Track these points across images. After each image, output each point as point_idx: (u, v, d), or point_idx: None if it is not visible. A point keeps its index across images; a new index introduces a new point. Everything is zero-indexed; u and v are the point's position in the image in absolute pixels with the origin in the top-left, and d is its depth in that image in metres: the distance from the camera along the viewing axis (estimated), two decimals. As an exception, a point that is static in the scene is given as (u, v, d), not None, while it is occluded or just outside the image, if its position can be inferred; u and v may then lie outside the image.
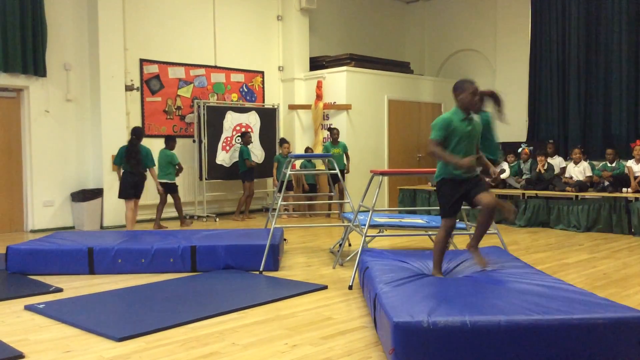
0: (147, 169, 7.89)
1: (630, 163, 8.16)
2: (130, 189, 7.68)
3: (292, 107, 10.89)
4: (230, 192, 10.20)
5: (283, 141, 9.92)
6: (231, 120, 9.91)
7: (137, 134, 7.80)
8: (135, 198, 7.76)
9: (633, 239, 7.40)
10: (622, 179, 8.13)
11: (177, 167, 8.66)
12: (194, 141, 9.72)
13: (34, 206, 8.33)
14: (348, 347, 3.38)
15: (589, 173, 8.51)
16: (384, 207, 10.39)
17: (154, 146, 9.33)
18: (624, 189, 8.02)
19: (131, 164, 7.64)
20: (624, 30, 9.97)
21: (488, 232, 5.27)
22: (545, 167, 8.83)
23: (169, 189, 8.58)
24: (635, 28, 9.91)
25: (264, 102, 10.83)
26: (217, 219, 9.46)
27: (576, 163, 8.70)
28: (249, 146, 9.54)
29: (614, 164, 8.42)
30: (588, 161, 8.77)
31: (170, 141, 8.77)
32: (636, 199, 7.68)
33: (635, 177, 7.96)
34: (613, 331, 2.84)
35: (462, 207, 5.77)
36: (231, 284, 4.96)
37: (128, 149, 7.69)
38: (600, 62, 10.34)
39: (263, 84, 10.89)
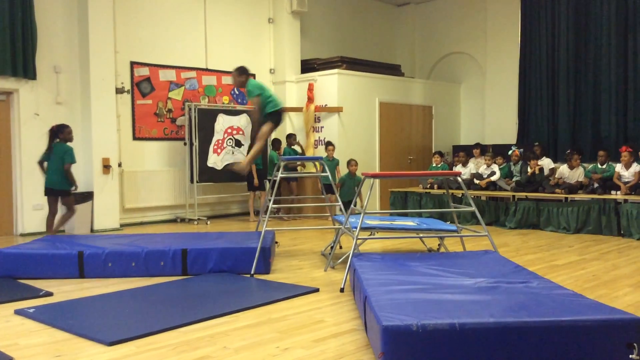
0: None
1: (619, 168, 8.21)
2: None
3: (284, 110, 10.87)
4: (221, 195, 10.20)
5: (328, 144, 9.76)
6: (222, 122, 9.89)
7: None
8: None
9: (622, 240, 7.45)
10: (612, 182, 8.19)
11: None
12: (185, 144, 9.70)
13: (23, 209, 8.28)
14: (339, 350, 3.39)
15: (581, 178, 8.57)
16: (375, 210, 10.41)
17: (145, 149, 9.34)
18: (613, 192, 8.08)
19: None
20: (613, 34, 10.07)
21: (478, 234, 5.31)
22: (537, 169, 8.86)
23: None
24: (624, 32, 10.00)
25: (255, 104, 10.82)
26: (209, 222, 9.45)
27: (571, 168, 8.71)
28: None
29: (604, 166, 8.47)
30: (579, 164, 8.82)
31: (277, 144, 9.86)
32: (625, 200, 7.73)
33: (626, 183, 8.01)
34: (602, 333, 2.86)
35: (452, 210, 5.82)
36: (222, 287, 4.95)
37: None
38: (589, 65, 10.43)
39: (254, 86, 10.87)
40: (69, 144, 7.01)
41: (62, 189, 6.97)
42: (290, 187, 9.99)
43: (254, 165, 9.27)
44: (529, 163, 9.02)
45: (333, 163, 9.53)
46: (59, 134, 6.99)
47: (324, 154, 10.12)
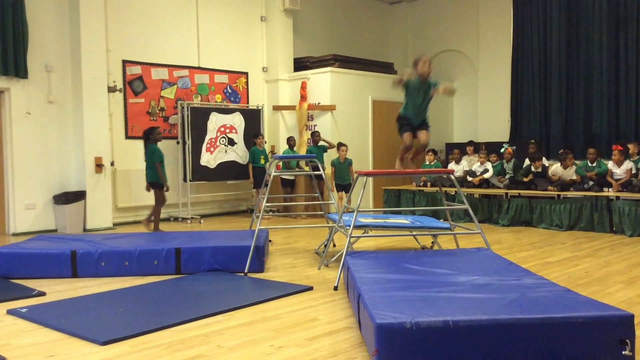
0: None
1: (611, 165, 8.26)
2: None
3: (277, 108, 10.88)
4: (214, 194, 10.18)
5: (340, 144, 9.57)
6: (215, 121, 9.88)
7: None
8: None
9: (614, 237, 7.49)
10: (604, 179, 8.23)
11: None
12: (177, 142, 9.68)
13: (15, 209, 8.23)
14: (333, 348, 3.39)
15: (574, 176, 8.61)
16: (368, 208, 10.41)
17: (137, 148, 9.29)
18: (605, 189, 8.11)
19: None
20: (604, 32, 10.12)
21: (472, 231, 5.33)
22: (540, 169, 8.86)
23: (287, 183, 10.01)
24: (615, 29, 10.05)
25: (248, 103, 10.82)
26: (202, 221, 9.43)
27: (565, 167, 8.74)
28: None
29: (594, 164, 8.51)
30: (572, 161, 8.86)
31: (292, 141, 10.09)
32: (617, 197, 7.77)
33: (617, 180, 8.05)
34: (594, 330, 2.87)
35: (446, 207, 5.84)
36: (216, 286, 4.94)
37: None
38: (581, 63, 10.47)
39: (247, 84, 10.88)
40: (158, 144, 7.87)
41: (154, 181, 7.81)
42: (320, 185, 9.74)
43: (250, 164, 9.72)
44: (533, 164, 8.96)
45: (345, 164, 9.35)
46: (150, 136, 7.82)
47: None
